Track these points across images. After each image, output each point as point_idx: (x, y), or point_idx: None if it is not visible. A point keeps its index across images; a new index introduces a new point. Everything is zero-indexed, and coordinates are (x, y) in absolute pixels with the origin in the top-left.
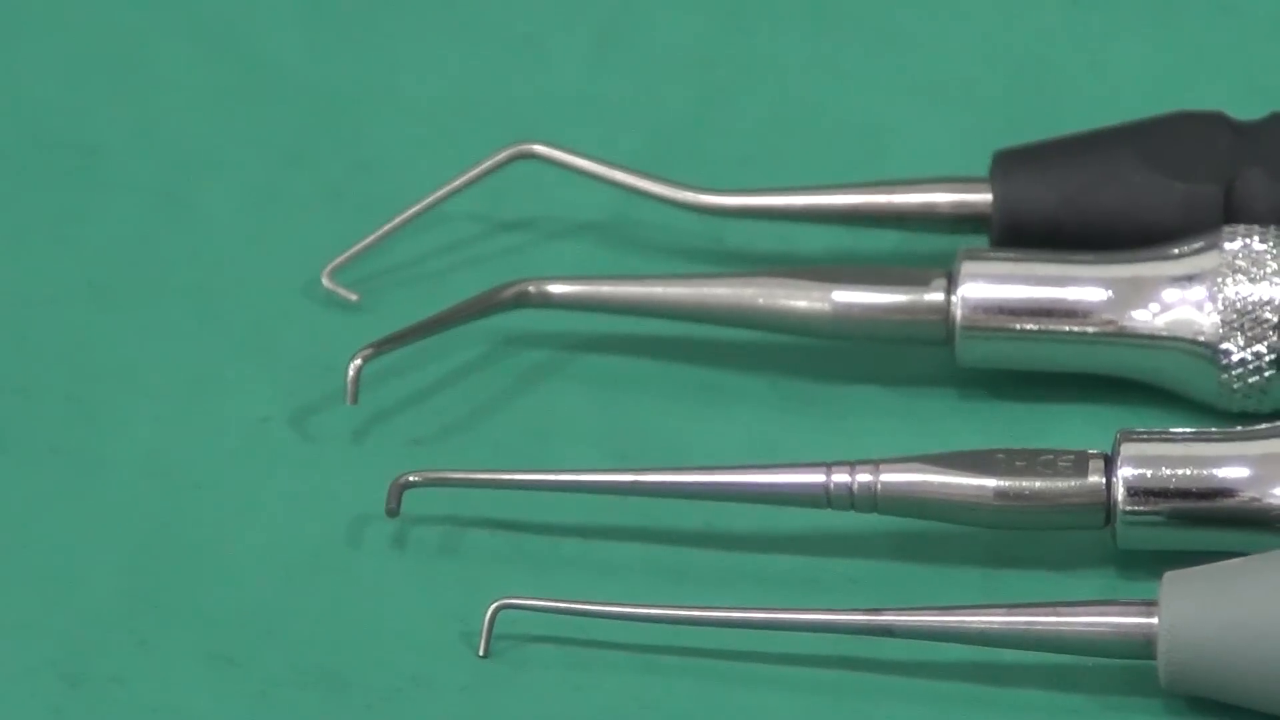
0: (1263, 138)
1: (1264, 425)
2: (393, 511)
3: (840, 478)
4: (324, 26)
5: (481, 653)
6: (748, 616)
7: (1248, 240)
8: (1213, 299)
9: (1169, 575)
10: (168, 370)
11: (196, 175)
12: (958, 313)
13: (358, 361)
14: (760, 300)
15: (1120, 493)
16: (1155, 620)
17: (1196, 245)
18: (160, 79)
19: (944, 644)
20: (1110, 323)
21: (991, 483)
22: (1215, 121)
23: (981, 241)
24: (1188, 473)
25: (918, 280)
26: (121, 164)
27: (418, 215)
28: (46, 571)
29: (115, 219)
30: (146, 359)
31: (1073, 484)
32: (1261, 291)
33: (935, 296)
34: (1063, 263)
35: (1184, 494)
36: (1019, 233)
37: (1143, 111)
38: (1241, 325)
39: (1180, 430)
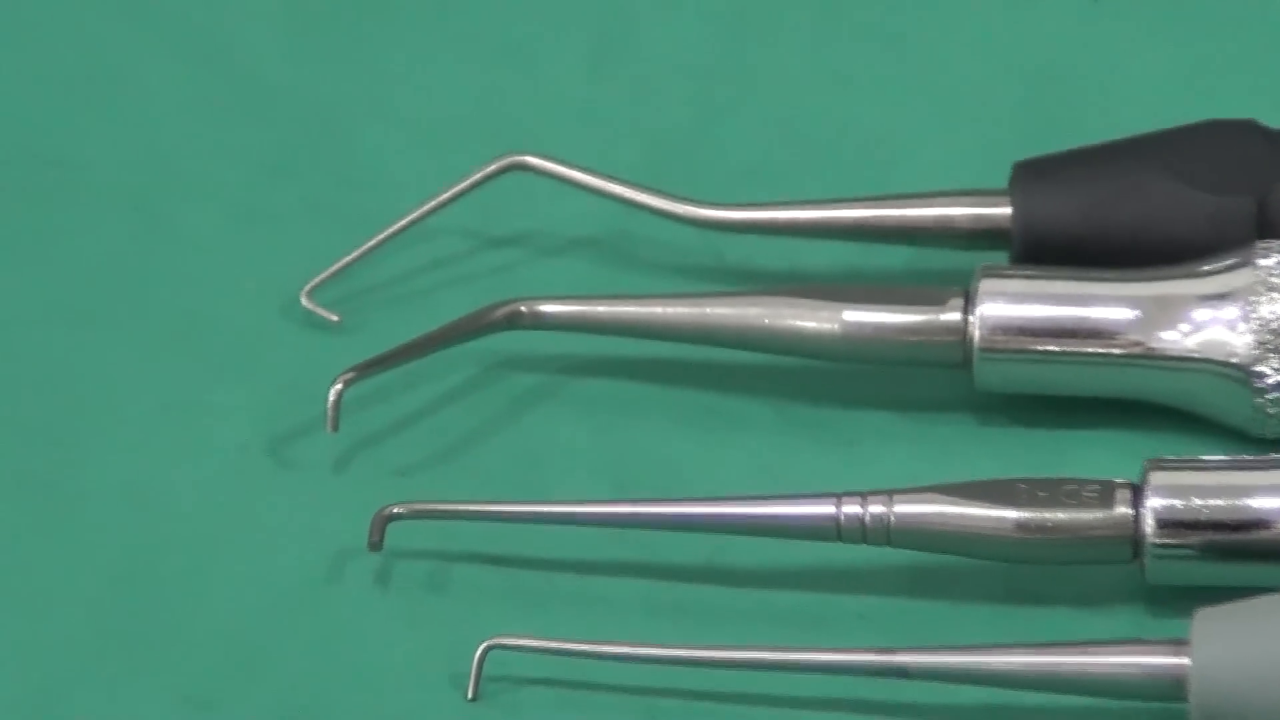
0: None
1: None
2: (376, 545)
3: (851, 509)
4: (307, 34)
5: (470, 696)
6: (753, 657)
7: None
8: (1246, 318)
9: (1201, 612)
10: (141, 395)
11: (174, 189)
12: (975, 333)
13: (339, 386)
14: (765, 320)
15: (1149, 524)
16: (1186, 661)
17: (1228, 262)
18: (137, 89)
19: (962, 686)
20: (1137, 344)
21: (1012, 514)
22: (1247, 130)
23: (1000, 258)
24: (1220, 503)
25: (932, 299)
26: (95, 178)
27: (403, 230)
28: (9, 608)
29: (88, 235)
30: (119, 382)
31: (1098, 515)
32: None
33: (951, 316)
34: (1086, 280)
35: (1217, 526)
36: (1040, 248)
37: (1170, 120)
38: (1277, 346)
39: (1212, 458)
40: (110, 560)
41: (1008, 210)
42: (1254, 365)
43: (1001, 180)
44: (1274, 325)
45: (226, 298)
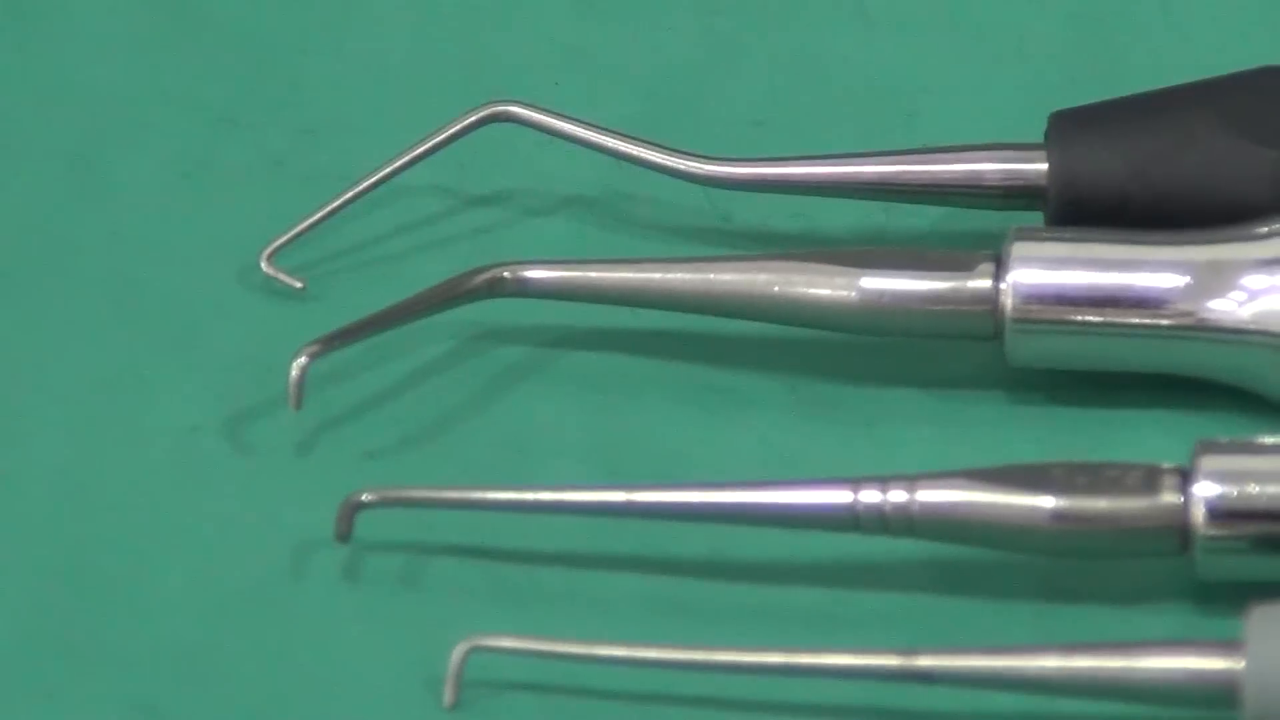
0: None
1: None
2: (344, 536)
3: (870, 496)
4: None
5: (448, 702)
6: (760, 660)
7: None
8: None
9: (1256, 610)
10: (80, 371)
11: (112, 140)
12: (1008, 303)
13: (302, 360)
14: (776, 288)
15: (1199, 513)
16: (1240, 664)
17: None
18: (68, 27)
19: (991, 692)
20: (1186, 314)
21: (1048, 503)
22: None
23: (1035, 219)
24: (1279, 490)
25: (960, 264)
26: (22, 129)
27: (373, 188)
28: None
29: (17, 192)
30: (54, 358)
31: (1143, 504)
32: None
33: (981, 284)
34: (1130, 244)
35: (1275, 515)
36: (1079, 208)
37: (1224, 67)
38: None
39: (1269, 440)
40: (44, 556)
41: (1044, 166)
42: None
43: (1037, 132)
44: None
45: (174, 262)
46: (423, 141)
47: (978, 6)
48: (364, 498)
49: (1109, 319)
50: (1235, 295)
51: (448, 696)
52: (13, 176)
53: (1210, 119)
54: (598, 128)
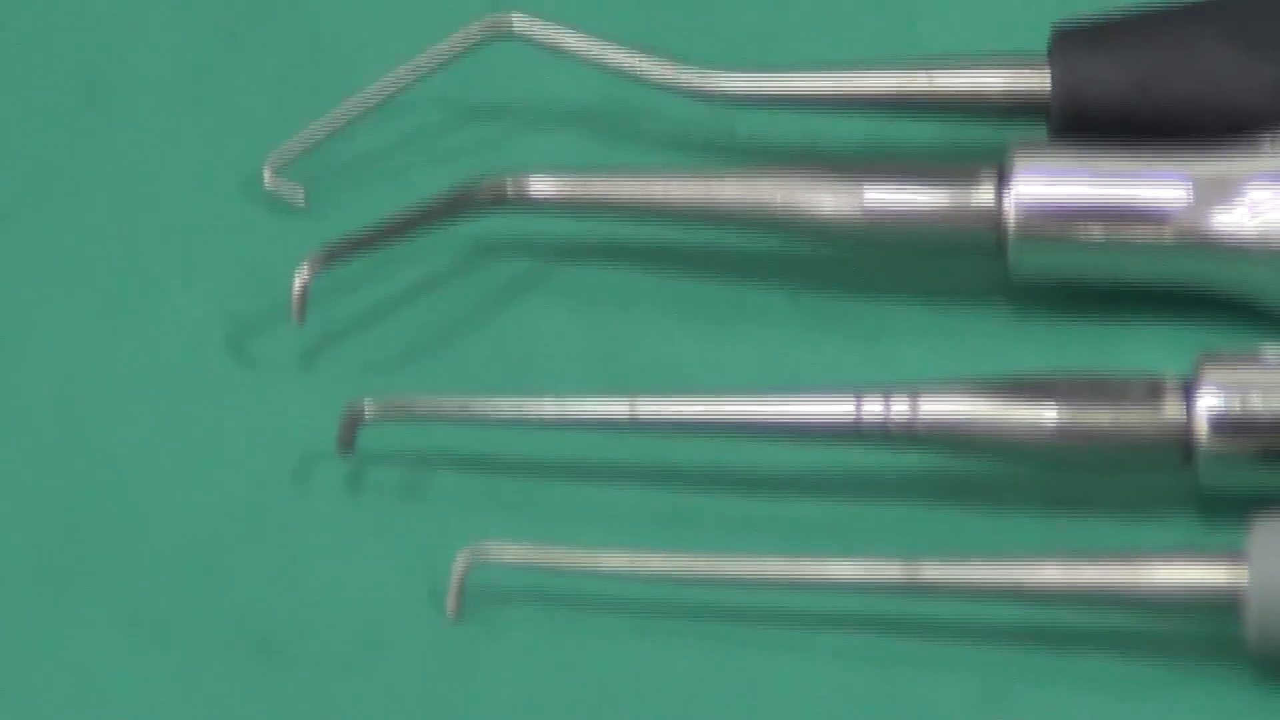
0: None
1: None
2: (346, 447)
3: (872, 407)
4: None
5: (451, 613)
6: (763, 571)
7: None
8: None
9: (1259, 521)
10: (81, 284)
11: (116, 56)
12: (1011, 216)
13: (305, 272)
14: (779, 200)
15: (1203, 426)
16: (1243, 574)
17: None
18: None
19: (993, 603)
20: (1189, 227)
21: (1051, 414)
22: None
23: (1039, 132)
24: None
25: (963, 178)
26: (28, 45)
27: (376, 102)
28: None
29: (20, 109)
30: (56, 271)
31: (1146, 416)
32: None
33: (984, 197)
34: (1134, 157)
35: (1277, 428)
36: (1082, 122)
37: None
38: None
39: (1273, 352)
40: (48, 469)
41: (1046, 79)
42: None
43: (1040, 45)
44: None
45: (177, 177)
46: (426, 55)
47: None
48: (366, 410)
49: (1112, 232)
50: (1238, 208)
51: (450, 606)
52: (16, 93)
53: (1214, 33)
54: (599, 40)
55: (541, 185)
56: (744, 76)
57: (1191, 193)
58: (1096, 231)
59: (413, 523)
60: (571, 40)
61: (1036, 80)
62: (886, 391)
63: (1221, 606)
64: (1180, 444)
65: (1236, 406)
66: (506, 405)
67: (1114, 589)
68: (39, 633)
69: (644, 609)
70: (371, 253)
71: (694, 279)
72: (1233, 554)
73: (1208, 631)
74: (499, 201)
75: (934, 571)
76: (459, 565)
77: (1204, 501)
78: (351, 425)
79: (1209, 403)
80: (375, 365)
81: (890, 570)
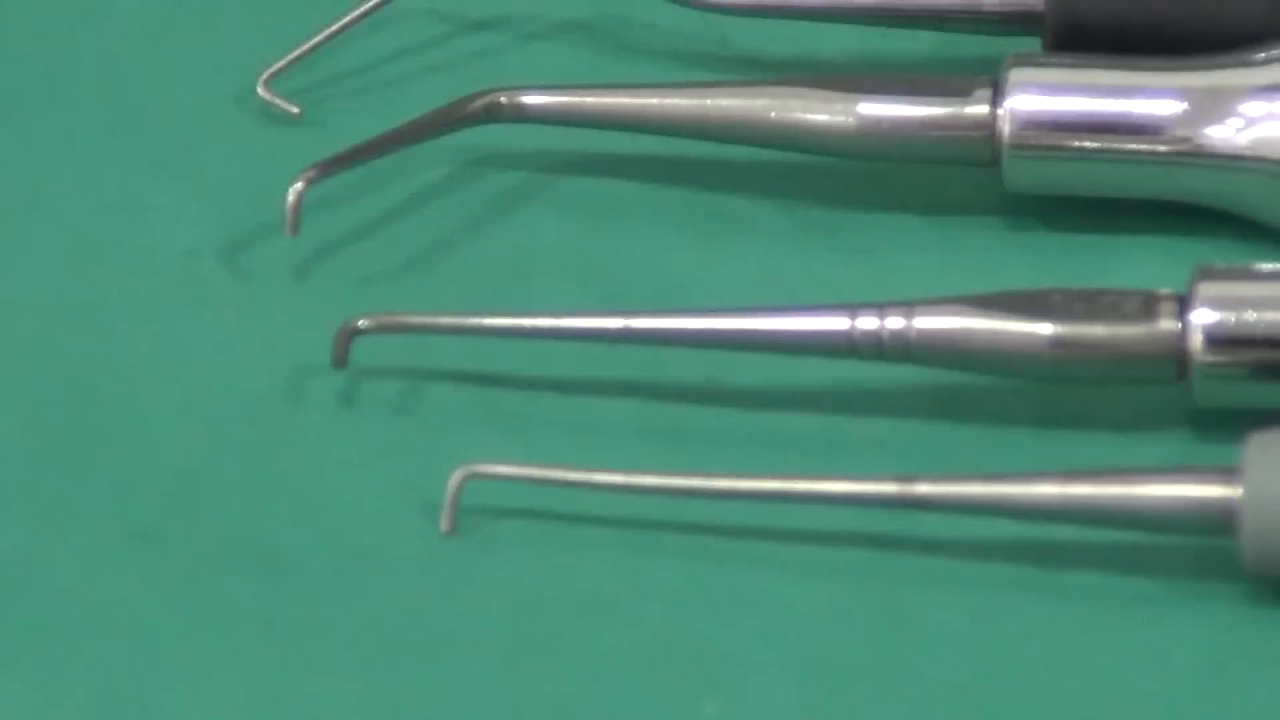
0: None
1: None
2: (340, 361)
3: (867, 322)
4: None
5: (445, 528)
6: (757, 486)
7: None
8: None
9: (1254, 437)
10: (74, 196)
11: None
12: (1005, 128)
13: (299, 185)
14: (772, 113)
15: (1197, 340)
16: (1237, 490)
17: None
18: None
19: (988, 519)
20: (1184, 140)
21: (1045, 328)
22: None
23: (1034, 45)
24: (1277, 316)
25: (958, 90)
26: None
27: (370, 13)
28: None
29: (11, 17)
30: (49, 182)
31: (1140, 330)
32: None
33: (979, 109)
34: (1128, 70)
35: (1272, 342)
36: (1077, 34)
37: None
38: None
39: (1267, 266)
40: (41, 382)
41: None
42: None
43: None
44: None
45: (169, 86)
46: None
47: None
48: (360, 323)
49: (1106, 145)
50: (1233, 121)
51: (444, 523)
52: (8, 5)
53: None
54: None
55: (535, 99)
56: None
57: (1185, 105)
58: (1090, 144)
59: (407, 437)
60: None
61: None
62: (880, 307)
63: (1216, 522)
64: (1175, 358)
65: (1231, 321)
66: (501, 319)
67: (1108, 505)
68: (35, 545)
69: (638, 525)
70: (366, 165)
71: (688, 192)
72: (1227, 470)
73: (1203, 548)
74: (493, 115)
75: (928, 488)
76: (453, 481)
77: (1199, 417)
78: (346, 339)
79: (1203, 317)
80: (369, 279)
81: (884, 486)
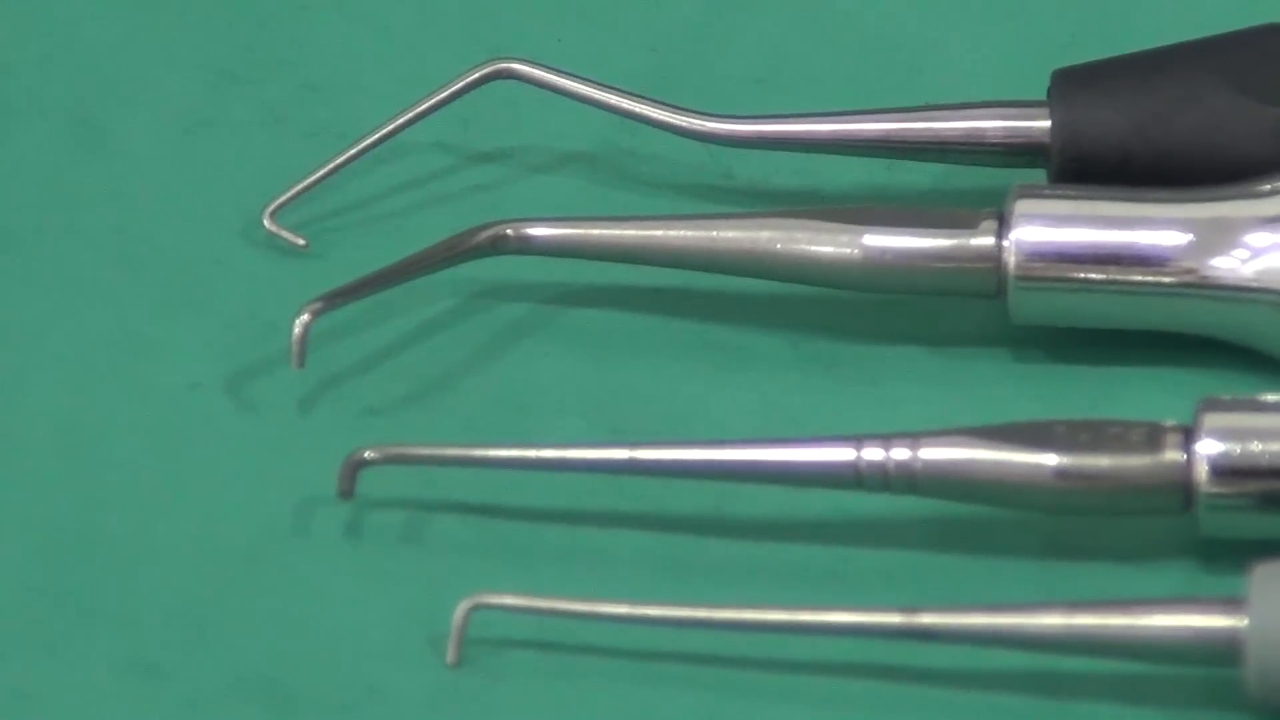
0: None
1: None
2: (346, 493)
3: (872, 453)
4: None
5: (451, 659)
6: (763, 618)
7: None
8: None
9: (1259, 568)
10: (79, 328)
11: (114, 96)
12: (1010, 260)
13: (305, 317)
14: (778, 245)
15: (1203, 471)
16: (1243, 621)
17: None
18: None
19: (993, 650)
20: (1189, 272)
21: (1050, 460)
22: None
23: (1038, 176)
24: None
25: (963, 222)
26: (26, 85)
27: (376, 145)
28: None
29: (19, 149)
30: (54, 314)
31: (1146, 461)
32: None
33: (984, 241)
34: (1133, 201)
35: (1277, 472)
36: (1082, 166)
37: (1227, 24)
38: None
39: (1272, 397)
40: (47, 513)
41: (1046, 123)
42: None
43: (1040, 90)
44: None
45: (176, 219)
46: (425, 98)
47: None
48: (366, 455)
49: (1112, 276)
50: (1238, 253)
51: (450, 654)
52: (15, 132)
53: (1212, 76)
54: (600, 84)
55: (541, 231)
56: (743, 120)
57: (1190, 237)
58: (1095, 276)
59: (413, 568)
60: (571, 83)
61: (1036, 123)
62: (886, 438)
63: (1221, 653)
64: (1180, 489)
65: (1236, 452)
66: (506, 451)
67: (1113, 636)
68: (39, 678)
69: (644, 656)
70: (372, 297)
71: (693, 323)
72: (1232, 600)
73: (1208, 678)
74: (499, 247)
75: (933, 618)
76: (459, 613)
77: (1204, 547)
78: (351, 471)
79: (1208, 448)
80: (375, 410)
81: (889, 617)
